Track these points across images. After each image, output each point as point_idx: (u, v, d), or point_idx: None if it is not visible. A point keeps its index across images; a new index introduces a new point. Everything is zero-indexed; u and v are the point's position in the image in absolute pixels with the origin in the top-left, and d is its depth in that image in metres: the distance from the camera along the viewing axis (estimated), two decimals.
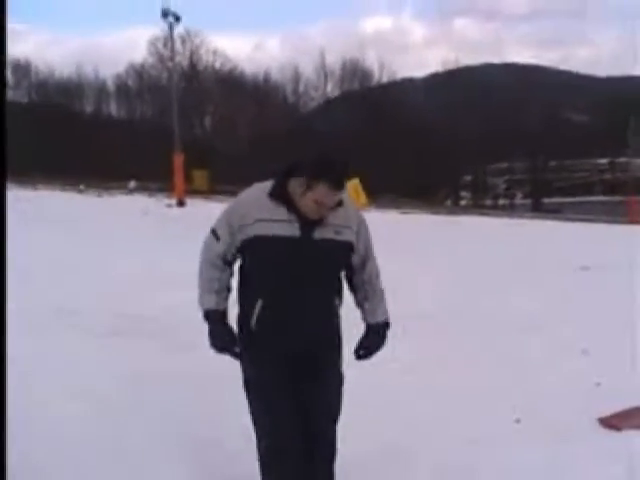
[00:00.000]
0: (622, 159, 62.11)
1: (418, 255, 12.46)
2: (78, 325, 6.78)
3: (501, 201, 61.98)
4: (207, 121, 61.97)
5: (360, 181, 19.98)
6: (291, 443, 3.31)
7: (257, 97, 58.93)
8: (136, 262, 10.10)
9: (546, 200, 59.11)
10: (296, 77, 62.72)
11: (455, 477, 4.15)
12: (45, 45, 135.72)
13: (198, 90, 57.75)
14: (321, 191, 3.06)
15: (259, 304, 3.21)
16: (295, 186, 3.14)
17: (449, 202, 53.78)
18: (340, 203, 3.21)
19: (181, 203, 24.98)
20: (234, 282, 3.36)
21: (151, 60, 59.17)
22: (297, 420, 3.32)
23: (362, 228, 3.36)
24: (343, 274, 3.43)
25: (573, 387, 5.57)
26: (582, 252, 12.29)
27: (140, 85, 61.92)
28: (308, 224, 3.14)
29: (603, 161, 66.33)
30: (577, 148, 61.57)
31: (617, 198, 44.24)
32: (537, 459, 4.30)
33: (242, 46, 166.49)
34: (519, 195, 63.99)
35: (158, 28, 53.15)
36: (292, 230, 3.12)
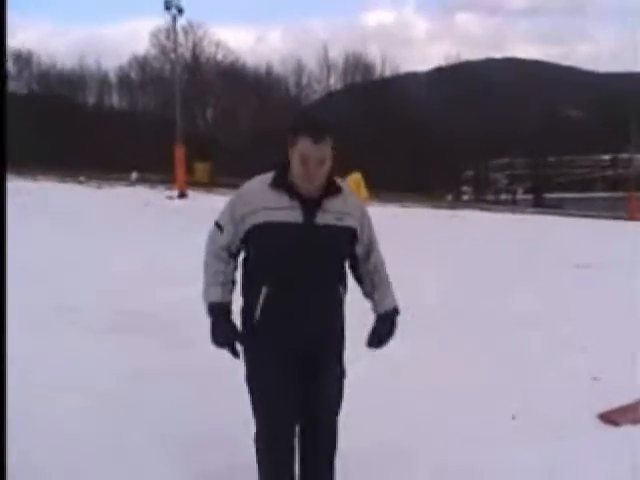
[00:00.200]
0: (625, 155, 62.01)
1: (418, 250, 12.46)
2: (78, 321, 6.76)
3: (503, 196, 61.93)
4: (209, 113, 61.94)
5: (362, 175, 19.97)
6: (286, 437, 3.34)
7: (259, 90, 58.86)
8: (136, 257, 10.10)
9: (547, 195, 59.12)
10: (299, 70, 62.75)
11: (455, 476, 4.14)
12: (47, 36, 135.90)
13: (200, 82, 57.70)
14: (303, 145, 3.10)
15: (264, 292, 3.21)
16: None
17: (450, 197, 53.69)
18: (339, 191, 3.25)
19: (182, 195, 24.96)
20: (238, 276, 3.36)
21: (153, 52, 59.34)
22: (295, 415, 3.35)
23: (365, 218, 3.38)
24: (348, 264, 3.44)
25: (572, 383, 5.57)
26: (582, 249, 12.30)
27: (142, 77, 61.92)
28: (310, 210, 3.16)
29: (605, 157, 66.25)
30: (578, 144, 61.50)
31: (618, 194, 44.19)
32: (537, 456, 4.30)
33: (245, 38, 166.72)
34: (520, 190, 63.94)
35: (161, 20, 53.18)
36: (295, 216, 3.14)
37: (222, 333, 3.28)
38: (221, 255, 3.30)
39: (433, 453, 4.38)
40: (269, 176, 3.24)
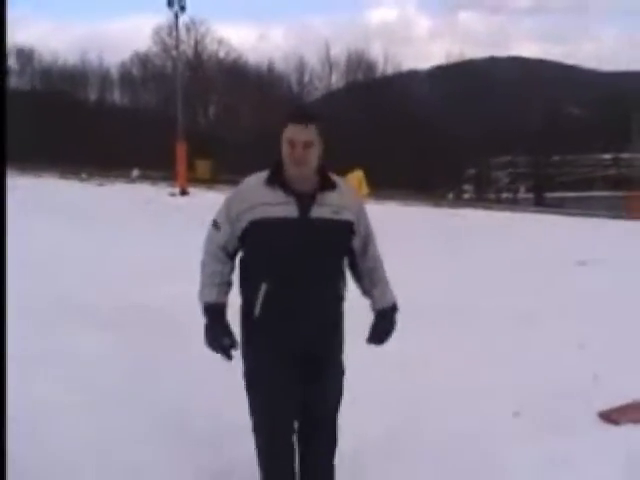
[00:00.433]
0: (626, 154, 61.96)
1: (419, 249, 12.47)
2: (79, 316, 6.78)
3: (504, 195, 61.87)
4: (211, 111, 61.90)
5: (363, 173, 19.98)
6: (285, 434, 3.36)
7: (261, 87, 58.81)
8: (138, 252, 10.11)
9: (549, 195, 59.06)
10: (300, 67, 62.61)
11: (455, 473, 4.16)
12: (49, 32, 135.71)
13: (202, 80, 57.66)
14: (289, 130, 3.16)
15: (263, 288, 3.21)
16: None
17: (452, 195, 53.64)
18: (334, 185, 3.27)
19: (184, 192, 24.98)
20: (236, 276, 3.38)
21: (155, 49, 59.18)
22: (294, 413, 3.36)
23: (361, 212, 3.40)
24: (346, 262, 3.44)
25: (572, 382, 5.55)
26: (583, 247, 12.31)
27: (144, 74, 61.84)
28: (305, 204, 3.18)
29: (607, 156, 66.15)
30: (580, 143, 61.41)
31: (620, 193, 44.14)
32: (537, 455, 4.30)
33: (247, 36, 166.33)
34: (522, 189, 63.87)
35: (163, 17, 53.19)
36: (290, 211, 3.17)
37: (215, 336, 3.30)
38: (218, 255, 3.31)
39: (433, 450, 4.39)
40: (265, 174, 3.27)
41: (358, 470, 4.01)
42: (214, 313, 3.31)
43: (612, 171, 65.32)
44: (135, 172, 33.12)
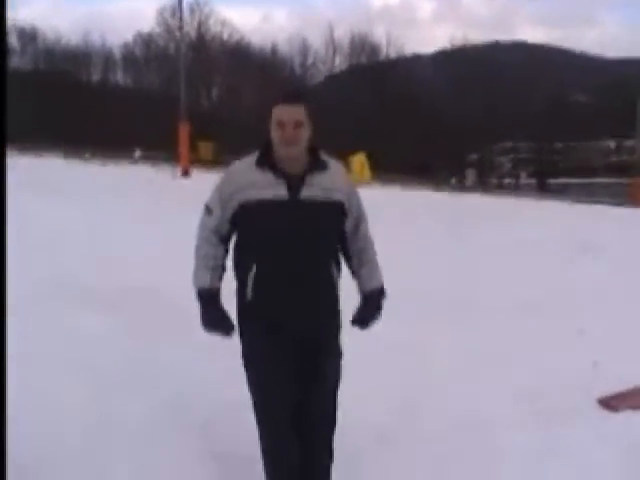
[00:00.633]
0: (630, 142, 61.74)
1: (418, 233, 12.44)
2: (79, 297, 6.79)
3: (506, 180, 61.78)
4: (214, 92, 61.72)
5: (366, 156, 19.96)
6: (284, 417, 3.35)
7: (264, 69, 58.60)
8: (140, 233, 10.10)
9: (551, 181, 58.97)
10: (304, 50, 62.39)
11: (449, 459, 4.18)
12: (52, 11, 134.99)
13: (205, 61, 57.43)
14: (277, 110, 3.16)
15: (253, 270, 3.22)
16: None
17: (454, 180, 53.52)
18: (324, 166, 3.27)
19: (186, 173, 24.92)
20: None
21: (159, 30, 58.96)
22: (292, 395, 3.35)
23: (352, 193, 3.39)
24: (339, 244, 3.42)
25: (571, 368, 5.58)
26: (584, 234, 12.27)
27: (147, 54, 61.62)
28: (295, 185, 3.18)
29: (610, 143, 65.97)
30: (583, 129, 61.23)
31: (622, 180, 44.06)
32: (535, 441, 4.32)
33: (250, 17, 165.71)
34: (524, 175, 63.76)
35: None
36: (279, 192, 3.16)
37: (210, 321, 3.33)
38: (211, 239, 3.32)
39: (431, 437, 4.41)
40: (254, 156, 3.28)
41: (355, 455, 4.02)
42: (208, 298, 3.34)
43: (615, 158, 65.16)
44: (137, 153, 33.05)
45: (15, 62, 53.75)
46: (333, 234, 3.36)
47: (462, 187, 37.64)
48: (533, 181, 60.64)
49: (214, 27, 59.76)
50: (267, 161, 3.22)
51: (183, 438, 4.24)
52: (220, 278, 3.38)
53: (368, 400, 4.71)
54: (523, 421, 4.65)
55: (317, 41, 62.95)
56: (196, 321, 3.40)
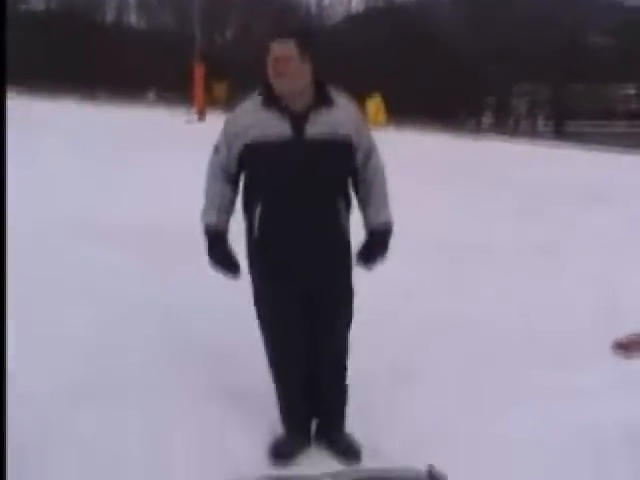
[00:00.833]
0: None
1: (434, 177, 12.38)
2: (94, 234, 6.85)
3: (523, 123, 61.05)
4: (228, 32, 60.93)
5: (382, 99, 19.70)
6: (294, 353, 3.39)
7: (280, 8, 57.70)
8: (154, 173, 10.13)
9: (568, 124, 58.18)
10: None
11: (463, 392, 4.22)
12: None
13: (220, 0, 56.56)
14: (272, 47, 3.16)
15: (259, 209, 3.22)
16: None
17: (472, 123, 52.88)
18: (330, 102, 3.22)
19: (201, 115, 24.78)
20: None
21: None
22: (300, 330, 3.36)
23: (361, 125, 3.34)
24: (350, 182, 3.36)
25: (588, 312, 5.58)
26: (600, 182, 12.17)
27: None
28: (299, 123, 3.14)
29: (630, 89, 64.76)
30: (603, 72, 60.13)
31: None
32: (550, 384, 4.32)
33: None
34: (541, 117, 62.92)
35: None
36: (283, 130, 3.14)
37: (216, 259, 3.34)
38: (218, 176, 3.31)
39: (441, 375, 4.44)
40: (260, 97, 3.25)
41: (366, 394, 4.02)
42: (213, 237, 3.34)
43: (634, 105, 64.04)
44: (152, 95, 32.86)
45: (26, 1, 53.03)
46: (339, 171, 3.30)
47: (479, 131, 37.26)
48: (551, 125, 59.81)
49: None
50: (270, 98, 3.19)
51: (194, 373, 4.31)
52: (227, 219, 3.38)
53: (378, 340, 4.73)
54: (537, 363, 4.64)
55: None
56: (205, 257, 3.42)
